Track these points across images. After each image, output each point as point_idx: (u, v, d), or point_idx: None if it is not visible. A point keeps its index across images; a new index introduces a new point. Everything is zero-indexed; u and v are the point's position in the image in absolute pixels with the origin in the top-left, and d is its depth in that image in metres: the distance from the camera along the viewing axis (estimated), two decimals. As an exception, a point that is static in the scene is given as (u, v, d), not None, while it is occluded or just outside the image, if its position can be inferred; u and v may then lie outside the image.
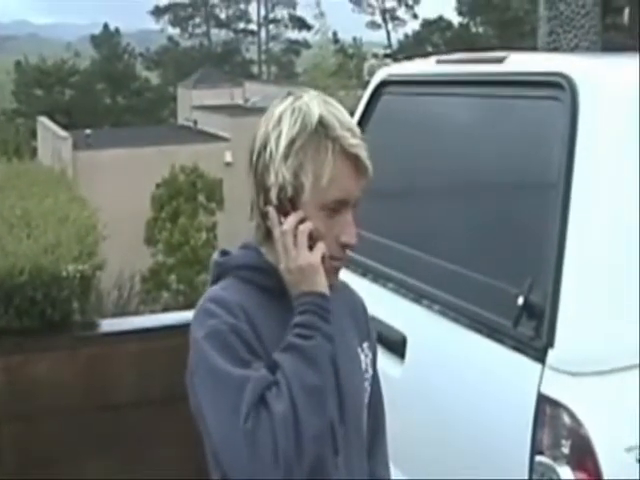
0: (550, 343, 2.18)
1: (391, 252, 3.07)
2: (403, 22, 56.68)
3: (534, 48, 5.90)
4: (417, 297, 2.83)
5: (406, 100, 3.43)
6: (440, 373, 2.66)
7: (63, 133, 26.01)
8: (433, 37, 49.43)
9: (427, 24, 50.77)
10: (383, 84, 3.48)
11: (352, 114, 2.81)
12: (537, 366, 2.20)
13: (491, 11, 40.87)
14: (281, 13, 66.13)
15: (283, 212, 1.63)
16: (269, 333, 1.62)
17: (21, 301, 3.55)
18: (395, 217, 3.28)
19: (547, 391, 2.15)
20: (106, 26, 54.85)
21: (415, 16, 55.40)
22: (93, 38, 55.35)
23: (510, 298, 2.29)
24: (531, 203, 2.50)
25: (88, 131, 28.38)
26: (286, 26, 65.79)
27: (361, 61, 23.27)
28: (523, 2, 31.46)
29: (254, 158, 1.66)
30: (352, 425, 1.72)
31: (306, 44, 55.50)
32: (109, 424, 3.70)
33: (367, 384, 1.81)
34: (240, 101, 36.38)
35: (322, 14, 24.51)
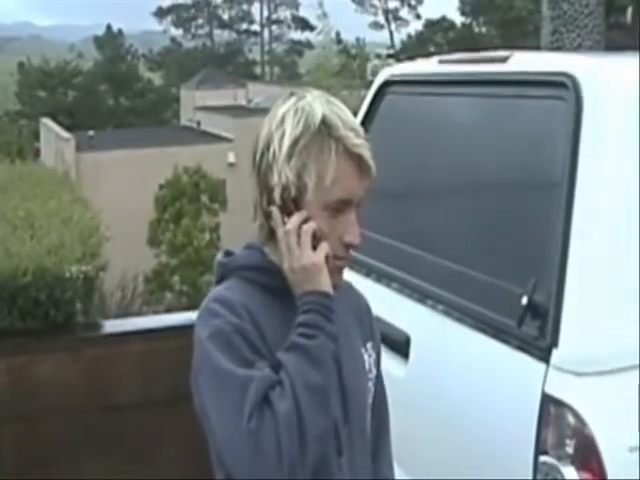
0: (554, 343, 2.17)
1: (395, 252, 3.07)
2: (406, 22, 56.78)
3: (537, 48, 5.89)
4: (421, 297, 2.82)
5: (409, 100, 3.43)
6: (444, 373, 2.66)
7: (66, 134, 26.04)
8: (436, 37, 49.45)
9: (430, 24, 50.81)
10: (386, 84, 3.48)
11: (355, 114, 2.81)
12: (541, 366, 2.20)
13: (494, 11, 40.87)
14: (284, 14, 66.30)
15: (286, 212, 1.63)
16: (273, 333, 1.62)
17: (24, 302, 3.56)
18: (398, 217, 3.27)
19: (551, 391, 2.15)
20: (109, 27, 54.95)
21: (418, 16, 55.50)
22: (96, 39, 55.40)
23: (514, 298, 2.29)
24: (535, 203, 2.50)
25: (91, 132, 28.45)
26: (289, 27, 65.92)
27: (364, 61, 23.28)
28: (526, 2, 31.46)
29: (257, 158, 1.66)
30: (356, 425, 1.72)
31: (309, 45, 55.57)
32: (112, 425, 3.71)
33: (371, 384, 1.81)
34: (243, 102, 36.41)
35: (325, 14, 24.53)
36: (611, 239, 2.22)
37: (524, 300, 2.25)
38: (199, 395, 1.61)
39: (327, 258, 1.63)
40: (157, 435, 3.79)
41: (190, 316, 2.99)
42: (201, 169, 20.78)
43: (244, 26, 66.74)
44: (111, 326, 4.00)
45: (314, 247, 1.62)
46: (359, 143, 1.63)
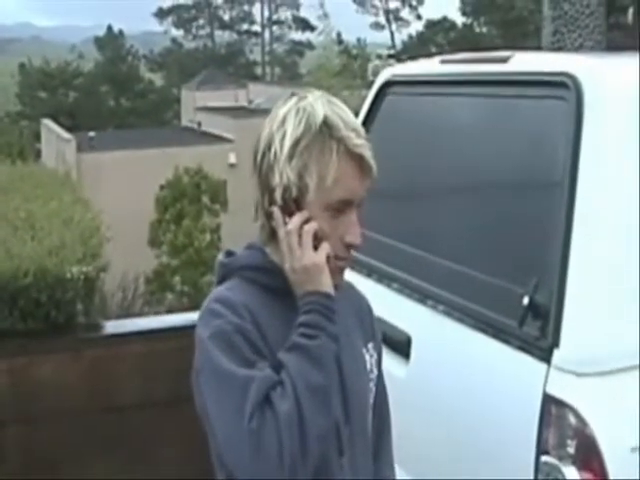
0: (555, 343, 2.17)
1: (396, 252, 3.07)
2: (407, 23, 56.82)
3: (538, 48, 5.89)
4: (422, 297, 2.82)
5: (410, 100, 3.43)
6: (445, 373, 2.66)
7: (67, 135, 26.06)
8: (437, 37, 49.48)
9: (431, 24, 50.83)
10: (387, 84, 3.48)
11: (356, 114, 2.81)
12: (542, 366, 2.20)
13: (495, 11, 40.87)
14: (285, 14, 66.32)
15: (288, 212, 1.63)
16: (274, 333, 1.62)
17: (25, 303, 3.56)
18: (400, 217, 3.27)
19: (552, 391, 2.15)
20: (110, 28, 54.92)
21: (419, 17, 55.54)
22: (97, 40, 55.42)
23: (515, 298, 2.29)
24: (536, 203, 2.50)
25: (92, 133, 28.44)
26: (290, 27, 65.93)
27: (365, 62, 23.23)
28: (527, 2, 31.43)
29: (258, 159, 1.66)
30: (357, 425, 1.72)
31: (310, 45, 55.51)
32: (113, 425, 3.71)
33: (372, 384, 1.81)
34: (244, 102, 36.39)
35: (326, 15, 24.47)
36: (612, 239, 2.22)
37: (525, 300, 2.25)
38: (200, 395, 1.61)
39: (328, 258, 1.63)
40: (158, 435, 3.79)
41: (191, 317, 3.00)
42: (202, 170, 20.79)
43: (245, 27, 66.82)
44: (112, 327, 4.01)
45: (315, 247, 1.62)
46: (360, 143, 1.63)
